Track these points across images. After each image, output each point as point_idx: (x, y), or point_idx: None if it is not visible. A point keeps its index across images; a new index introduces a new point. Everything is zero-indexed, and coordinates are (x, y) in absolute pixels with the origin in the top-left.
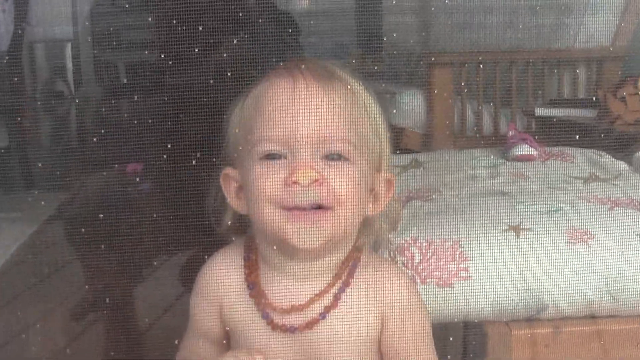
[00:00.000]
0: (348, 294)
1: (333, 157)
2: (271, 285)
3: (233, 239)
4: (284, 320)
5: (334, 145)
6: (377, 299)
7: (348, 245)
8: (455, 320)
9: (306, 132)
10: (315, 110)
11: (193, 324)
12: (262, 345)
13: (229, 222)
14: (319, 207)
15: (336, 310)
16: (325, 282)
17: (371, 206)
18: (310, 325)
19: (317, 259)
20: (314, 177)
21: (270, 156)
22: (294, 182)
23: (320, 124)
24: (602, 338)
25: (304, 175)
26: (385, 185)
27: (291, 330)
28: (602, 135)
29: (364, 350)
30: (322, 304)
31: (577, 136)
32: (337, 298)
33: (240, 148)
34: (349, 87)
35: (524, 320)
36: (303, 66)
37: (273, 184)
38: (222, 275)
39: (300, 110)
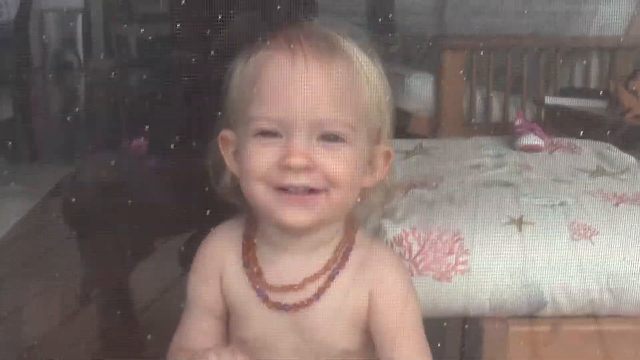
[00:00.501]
0: (342, 275)
1: (329, 137)
2: (268, 264)
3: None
4: (278, 298)
5: (331, 127)
6: (368, 282)
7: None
8: (453, 314)
9: (302, 114)
10: (313, 90)
11: (193, 302)
12: (257, 322)
13: (228, 182)
14: (311, 190)
15: (330, 290)
16: (321, 260)
17: (368, 178)
18: (304, 304)
19: (312, 234)
20: (307, 165)
21: (265, 133)
22: (287, 167)
23: (318, 105)
24: (603, 338)
25: (297, 161)
26: (383, 157)
27: (285, 308)
28: (612, 128)
29: (355, 331)
30: (317, 285)
31: (586, 127)
32: (330, 279)
33: (237, 116)
34: (351, 60)
35: (523, 317)
36: (302, 36)
37: (265, 163)
38: (221, 250)
39: (298, 91)
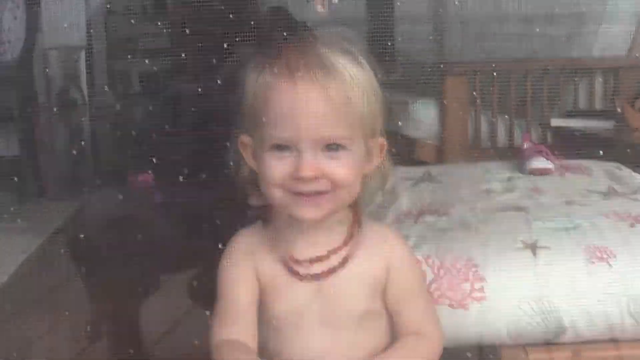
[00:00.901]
0: (360, 249)
1: (332, 147)
2: (293, 245)
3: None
4: (308, 270)
5: (333, 139)
6: (385, 256)
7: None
8: (470, 343)
9: (307, 133)
10: (314, 113)
11: (227, 295)
12: (289, 296)
13: (247, 175)
14: (320, 193)
15: (352, 260)
16: (338, 237)
17: (367, 166)
18: (331, 272)
19: (326, 220)
20: (315, 176)
21: (279, 147)
22: (299, 178)
23: (320, 124)
24: None
25: (307, 174)
26: (379, 147)
27: (315, 278)
28: (620, 147)
29: (375, 295)
30: (340, 255)
31: (595, 148)
32: (352, 251)
33: (253, 129)
34: (344, 79)
35: (541, 344)
36: (302, 64)
37: (280, 174)
38: (248, 244)
39: (302, 114)
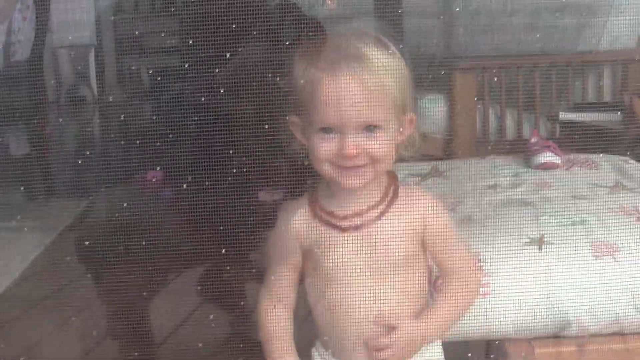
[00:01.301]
0: (395, 205)
1: (370, 129)
2: (335, 206)
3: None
4: (350, 223)
5: (370, 122)
6: (420, 213)
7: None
8: (475, 338)
9: (349, 119)
10: (354, 101)
11: (275, 261)
12: (333, 250)
13: (297, 148)
14: (361, 166)
15: (388, 213)
16: (376, 197)
17: (399, 137)
18: (370, 222)
19: (367, 185)
20: (357, 153)
21: (325, 130)
22: (343, 156)
23: (359, 111)
24: (631, 355)
25: (350, 152)
26: (408, 121)
27: (356, 228)
28: (628, 141)
29: (412, 245)
30: (378, 210)
31: (602, 142)
32: (388, 206)
33: (302, 112)
34: (377, 68)
35: (547, 338)
36: (342, 61)
37: (328, 152)
38: (292, 214)
39: (344, 103)
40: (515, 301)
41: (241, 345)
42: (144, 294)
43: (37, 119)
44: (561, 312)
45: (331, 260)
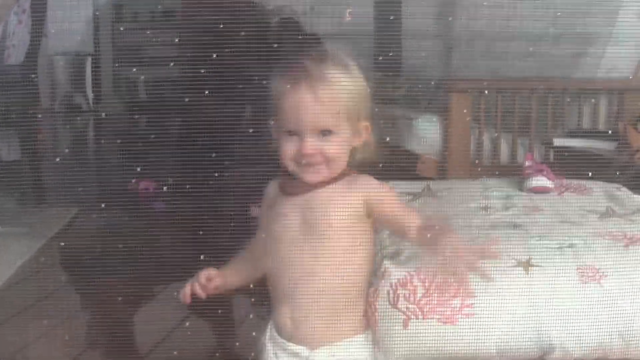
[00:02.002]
0: (338, 182)
1: (324, 133)
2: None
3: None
4: (297, 191)
5: (324, 127)
6: (361, 192)
7: (345, 165)
8: (458, 358)
9: (307, 123)
10: (311, 108)
11: (259, 228)
12: (281, 212)
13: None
14: (318, 163)
15: (329, 186)
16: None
17: (355, 140)
18: (310, 190)
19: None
20: (313, 153)
21: (289, 133)
22: (302, 155)
23: (315, 117)
24: None
25: (307, 152)
26: (363, 128)
27: (298, 192)
28: (621, 169)
29: (355, 219)
30: (322, 184)
31: (596, 169)
32: (331, 182)
33: (275, 115)
34: (333, 83)
35: None
36: (304, 75)
37: (291, 151)
38: (270, 187)
39: (303, 109)
40: (500, 323)
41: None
42: (129, 303)
43: (30, 125)
44: (545, 336)
45: (278, 226)
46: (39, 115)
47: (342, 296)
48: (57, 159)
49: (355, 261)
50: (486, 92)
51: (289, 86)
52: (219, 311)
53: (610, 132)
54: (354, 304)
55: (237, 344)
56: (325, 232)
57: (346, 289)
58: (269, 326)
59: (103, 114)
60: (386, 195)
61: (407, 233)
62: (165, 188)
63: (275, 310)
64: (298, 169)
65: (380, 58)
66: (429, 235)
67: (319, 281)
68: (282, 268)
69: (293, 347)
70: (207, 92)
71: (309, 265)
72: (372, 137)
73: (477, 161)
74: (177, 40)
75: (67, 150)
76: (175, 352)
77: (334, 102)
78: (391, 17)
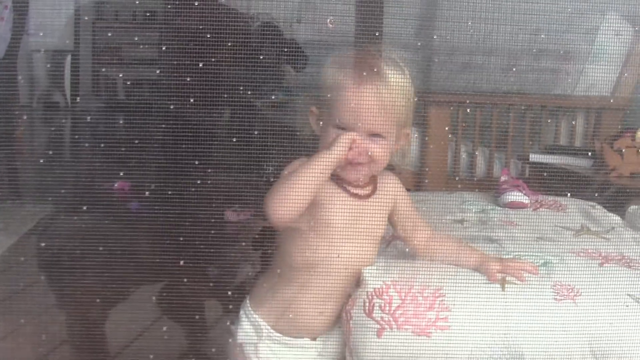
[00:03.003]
0: (380, 187)
1: (375, 135)
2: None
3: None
4: (355, 192)
5: (376, 130)
6: (391, 196)
7: None
8: None
9: (361, 122)
10: (366, 110)
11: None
12: (340, 207)
13: (310, 132)
14: (361, 164)
15: (377, 192)
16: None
17: (395, 147)
18: (367, 196)
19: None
20: (361, 153)
21: (340, 127)
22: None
23: (369, 119)
24: None
25: (358, 151)
26: (404, 135)
27: (358, 197)
28: (597, 186)
29: (384, 223)
30: (371, 187)
31: (572, 186)
32: (374, 187)
33: (324, 106)
34: (390, 86)
35: None
36: (363, 73)
37: None
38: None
39: (358, 110)
40: (473, 338)
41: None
42: (103, 303)
43: (6, 121)
44: (518, 353)
45: (337, 218)
46: (17, 112)
47: (350, 287)
48: (34, 157)
49: (373, 256)
50: (467, 108)
51: (353, 83)
52: (193, 315)
53: (587, 150)
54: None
55: (213, 349)
56: (373, 234)
57: (354, 280)
58: (253, 325)
59: (80, 112)
60: (408, 199)
61: (415, 240)
62: (143, 188)
63: (274, 304)
64: (342, 164)
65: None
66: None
67: (352, 276)
68: (329, 263)
69: (295, 341)
70: (187, 93)
71: (354, 262)
72: (408, 145)
73: (454, 174)
74: (158, 41)
75: (42, 148)
76: (151, 356)
77: (392, 107)
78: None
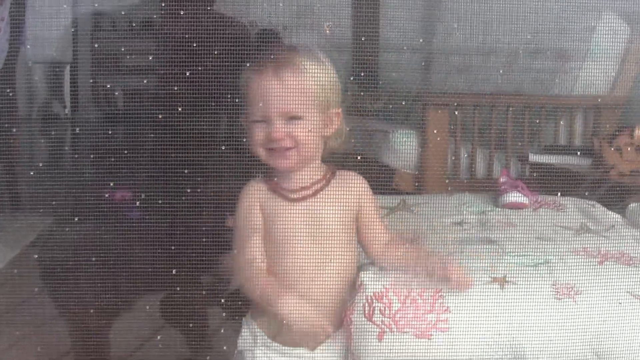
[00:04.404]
0: (332, 185)
1: (293, 118)
2: (286, 183)
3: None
4: (297, 195)
5: (292, 113)
6: (355, 198)
7: (318, 155)
8: None
9: (275, 110)
10: (278, 95)
11: (244, 229)
12: (284, 217)
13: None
14: (288, 148)
15: (325, 191)
16: (317, 177)
17: (327, 130)
18: (310, 196)
19: (302, 168)
20: (282, 137)
21: (258, 120)
22: (272, 140)
23: (282, 103)
24: None
25: (276, 137)
26: (335, 116)
27: (300, 199)
28: (596, 185)
29: (346, 227)
30: (317, 186)
31: (571, 185)
32: (325, 185)
33: (246, 107)
34: (300, 70)
35: None
36: (270, 64)
37: (261, 138)
38: (255, 190)
39: (270, 97)
40: (474, 339)
41: None
42: (104, 313)
43: (6, 133)
44: (519, 353)
45: (282, 229)
46: (16, 123)
47: (338, 294)
48: (35, 168)
49: (351, 259)
50: (465, 109)
51: (256, 73)
52: (193, 322)
53: (585, 148)
54: (342, 301)
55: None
56: (331, 235)
57: (342, 288)
58: (251, 333)
59: (80, 122)
60: (372, 202)
61: (372, 246)
62: (142, 198)
63: (271, 315)
64: (268, 155)
65: (359, 73)
66: (400, 251)
67: (327, 283)
68: (292, 273)
69: (293, 350)
70: (187, 103)
71: (319, 268)
72: (343, 126)
73: (453, 176)
74: (155, 51)
75: (43, 160)
76: None
77: (300, 88)
78: (369, 31)
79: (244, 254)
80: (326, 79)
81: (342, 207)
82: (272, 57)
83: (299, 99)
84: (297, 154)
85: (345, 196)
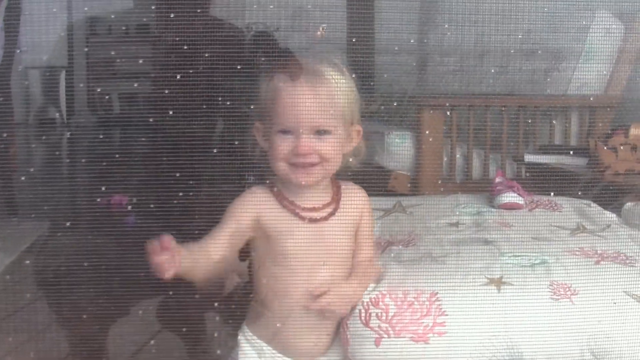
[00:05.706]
0: (342, 205)
1: (320, 132)
2: (296, 198)
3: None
4: (309, 215)
5: (320, 126)
6: (357, 214)
7: (335, 171)
8: None
9: (303, 121)
10: (307, 107)
11: (229, 222)
12: (295, 236)
13: (259, 153)
14: (312, 164)
15: (338, 212)
16: (328, 195)
17: (347, 147)
18: (324, 219)
19: (317, 185)
20: (309, 152)
21: (283, 131)
22: (297, 154)
23: (311, 116)
24: None
25: (303, 151)
26: (355, 132)
27: (314, 220)
28: (591, 185)
29: (354, 238)
30: (330, 208)
31: (566, 185)
32: (336, 205)
33: (265, 116)
34: (329, 83)
35: None
36: (302, 71)
37: (285, 150)
38: (257, 199)
39: (299, 108)
40: (472, 341)
41: None
42: (103, 319)
43: (1, 138)
44: (517, 354)
45: (290, 245)
46: (12, 129)
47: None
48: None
49: (346, 273)
50: (460, 110)
51: (286, 83)
52: (193, 327)
53: (581, 148)
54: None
55: None
56: (342, 254)
57: None
58: (253, 347)
59: (77, 127)
60: (370, 217)
61: (356, 259)
62: (138, 203)
63: (276, 329)
64: (290, 170)
65: (353, 75)
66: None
67: (332, 297)
68: (298, 291)
69: None
70: (183, 108)
71: (327, 286)
72: (363, 143)
73: (448, 177)
74: (151, 56)
75: (39, 165)
76: None
77: (332, 102)
78: (363, 33)
79: (207, 243)
80: (353, 94)
81: (351, 227)
82: (302, 66)
83: (330, 113)
84: (321, 170)
85: (352, 215)
